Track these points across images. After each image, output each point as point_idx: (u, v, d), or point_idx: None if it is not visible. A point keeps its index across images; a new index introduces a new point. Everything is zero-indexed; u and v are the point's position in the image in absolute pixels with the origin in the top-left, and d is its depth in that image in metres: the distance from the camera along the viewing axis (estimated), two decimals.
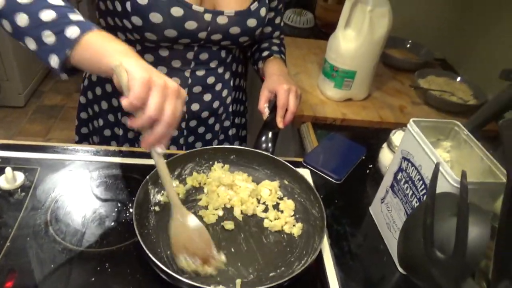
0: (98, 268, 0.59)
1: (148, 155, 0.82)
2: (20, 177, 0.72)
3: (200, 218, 0.70)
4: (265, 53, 0.97)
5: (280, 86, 0.85)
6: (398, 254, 0.46)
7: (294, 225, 0.71)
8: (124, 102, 0.52)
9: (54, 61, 0.58)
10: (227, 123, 1.00)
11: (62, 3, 0.60)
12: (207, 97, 0.92)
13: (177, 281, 0.55)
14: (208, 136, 0.99)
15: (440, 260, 0.36)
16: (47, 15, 0.57)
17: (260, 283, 0.57)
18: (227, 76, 0.93)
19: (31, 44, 0.59)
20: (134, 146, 0.95)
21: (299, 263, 0.64)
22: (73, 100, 2.83)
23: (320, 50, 1.45)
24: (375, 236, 0.75)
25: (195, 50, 0.84)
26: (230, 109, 0.99)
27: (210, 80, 0.90)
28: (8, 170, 0.69)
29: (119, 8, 0.76)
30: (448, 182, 0.56)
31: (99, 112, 0.95)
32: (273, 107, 0.87)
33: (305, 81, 1.22)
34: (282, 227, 0.70)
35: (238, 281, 0.60)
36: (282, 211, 0.73)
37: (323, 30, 1.70)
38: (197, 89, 0.89)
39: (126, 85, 0.53)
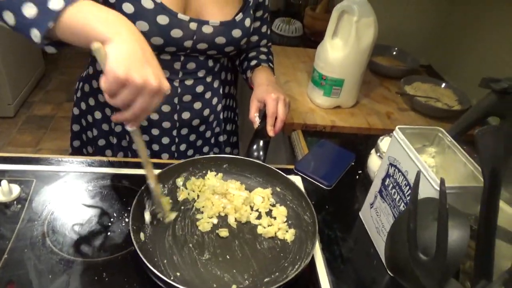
0: (96, 278, 0.60)
1: (141, 166, 0.84)
2: (16, 189, 0.72)
3: (196, 226, 0.72)
4: (253, 62, 1.00)
5: (268, 96, 0.87)
6: (385, 257, 0.48)
7: (287, 231, 0.73)
8: (101, 84, 0.51)
9: (35, 34, 0.53)
10: (217, 130, 1.02)
11: None
12: (197, 105, 0.94)
13: None
14: (199, 143, 1.01)
15: (424, 262, 0.38)
16: None
17: None
18: (216, 84, 0.95)
19: (10, 18, 0.54)
20: (128, 154, 0.96)
21: (292, 268, 0.66)
22: (63, 110, 2.82)
23: (309, 58, 1.48)
24: (365, 240, 0.78)
25: (181, 60, 0.86)
26: (221, 116, 1.01)
27: (199, 89, 0.92)
28: (4, 182, 0.70)
29: None
30: (432, 187, 0.58)
31: (92, 122, 0.96)
32: (263, 116, 0.89)
33: (295, 89, 1.25)
34: (275, 233, 0.72)
35: (234, 287, 0.61)
36: (275, 218, 0.75)
37: (312, 39, 1.73)
38: (187, 98, 0.91)
39: (104, 71, 0.51)
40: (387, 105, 1.25)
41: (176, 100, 0.90)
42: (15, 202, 0.71)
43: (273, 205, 0.78)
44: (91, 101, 0.94)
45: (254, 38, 1.01)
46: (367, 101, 1.26)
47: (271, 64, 1.02)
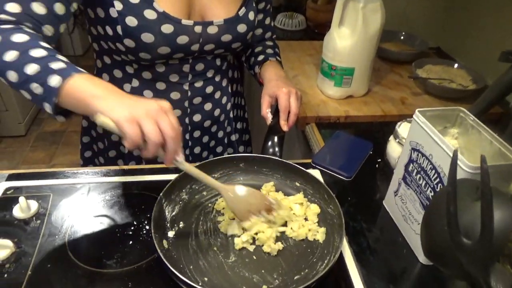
0: None
1: (157, 172, 0.83)
2: (34, 205, 0.72)
3: (218, 229, 0.70)
4: (260, 57, 0.98)
5: (280, 90, 0.85)
6: (422, 245, 0.46)
7: (317, 232, 0.70)
8: (127, 145, 0.55)
9: (47, 107, 0.61)
10: (229, 129, 1.01)
11: (45, 53, 0.61)
12: (208, 106, 0.92)
13: None
14: (212, 143, 0.99)
15: (467, 246, 0.36)
16: (31, 69, 0.59)
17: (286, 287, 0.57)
18: (224, 83, 0.94)
19: (27, 95, 0.62)
20: (141, 162, 0.95)
21: (322, 263, 0.64)
22: (74, 124, 2.84)
23: (315, 50, 1.46)
24: (392, 230, 0.75)
25: (190, 63, 0.85)
26: (231, 115, 1.00)
27: (209, 89, 0.91)
28: (21, 199, 0.70)
29: (110, 32, 0.76)
30: (461, 169, 0.56)
31: (102, 134, 0.96)
32: (275, 112, 0.87)
33: (304, 83, 1.23)
34: (306, 235, 0.70)
35: None
36: (306, 219, 0.73)
37: (316, 31, 1.71)
38: (197, 100, 0.90)
39: (118, 131, 0.56)
40: (400, 91, 1.22)
41: (186, 103, 0.89)
42: (34, 218, 0.70)
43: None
44: None
45: (259, 31, 1.00)
46: (379, 88, 1.23)
47: (278, 58, 1.00)
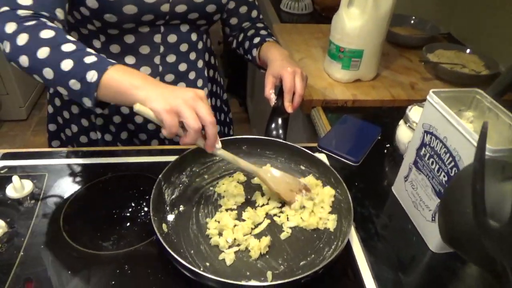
0: (118, 271, 0.57)
1: (156, 153, 0.80)
2: (28, 185, 0.69)
3: (220, 212, 0.67)
4: (256, 40, 0.93)
5: (284, 70, 0.81)
6: (440, 230, 0.43)
7: (328, 219, 0.67)
8: (165, 134, 0.57)
9: (88, 102, 0.62)
10: None
11: (74, 47, 0.61)
12: (181, 86, 0.87)
13: (205, 278, 0.52)
14: None
15: (494, 229, 0.32)
16: (66, 65, 0.60)
17: (292, 274, 0.54)
18: (200, 64, 0.89)
19: (64, 91, 0.62)
20: (118, 133, 0.90)
21: (329, 248, 0.61)
22: None
23: (322, 34, 1.41)
24: (400, 216, 0.72)
25: (162, 32, 0.80)
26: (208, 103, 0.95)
27: (182, 67, 0.86)
28: (15, 178, 0.67)
29: None
30: None
31: (70, 119, 0.90)
32: (279, 93, 0.84)
33: (311, 66, 1.19)
34: (316, 224, 0.66)
35: (269, 273, 0.57)
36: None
37: (323, 14, 1.66)
38: (169, 77, 0.85)
39: (157, 120, 0.58)
40: (410, 76, 1.18)
41: (157, 80, 0.84)
42: (28, 197, 0.68)
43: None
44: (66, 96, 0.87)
45: (244, 8, 0.95)
46: (388, 73, 1.19)
47: (274, 38, 0.95)
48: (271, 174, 0.69)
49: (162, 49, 0.82)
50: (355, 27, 1.02)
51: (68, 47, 0.61)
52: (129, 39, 0.78)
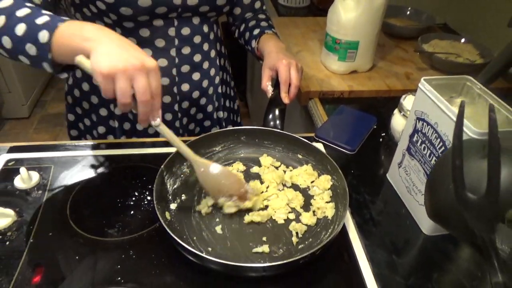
0: (123, 256, 0.59)
1: (159, 145, 0.82)
2: (35, 176, 0.72)
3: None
4: (256, 31, 0.96)
5: (280, 62, 0.84)
6: (426, 206, 0.45)
7: (326, 208, 0.68)
8: (102, 94, 0.54)
9: (46, 66, 0.60)
10: (216, 104, 1.00)
11: (29, 11, 0.60)
12: (196, 76, 0.91)
13: (208, 261, 0.54)
14: (200, 116, 0.99)
15: (473, 201, 0.35)
16: (20, 29, 0.58)
17: (291, 256, 0.57)
18: (212, 54, 0.93)
19: (25, 60, 0.61)
20: (131, 137, 0.94)
21: (326, 232, 0.63)
22: None
23: (319, 27, 1.43)
24: (395, 202, 0.75)
25: (175, 25, 0.83)
26: (219, 90, 0.99)
27: (197, 58, 0.89)
28: (22, 170, 0.69)
29: None
30: (467, 135, 0.54)
31: (89, 109, 0.93)
32: (276, 84, 0.86)
33: (308, 58, 1.21)
34: (314, 212, 0.68)
35: (268, 255, 0.59)
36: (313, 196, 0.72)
37: (320, 7, 1.68)
38: (185, 68, 0.88)
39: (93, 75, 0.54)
40: (405, 66, 1.20)
41: (174, 71, 0.87)
42: (35, 188, 0.70)
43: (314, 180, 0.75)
44: (85, 86, 0.90)
45: (247, 0, 0.97)
46: (383, 63, 1.21)
47: (274, 30, 0.98)
48: (205, 168, 0.66)
49: (176, 41, 0.85)
50: (350, 18, 1.04)
51: (22, 12, 0.59)
52: (144, 32, 0.81)
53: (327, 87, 1.08)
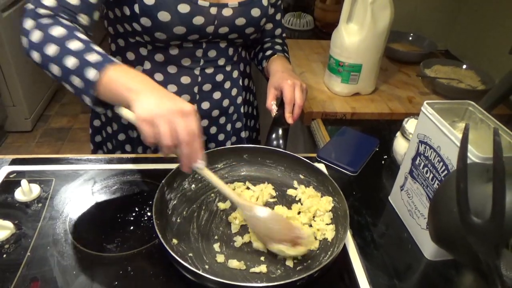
0: (121, 272, 0.58)
1: (161, 161, 0.82)
2: (36, 189, 0.71)
3: (220, 217, 0.69)
4: (268, 52, 0.98)
5: (284, 82, 0.85)
6: (430, 229, 0.45)
7: (326, 230, 0.68)
8: (144, 141, 0.57)
9: (87, 100, 0.63)
10: (239, 125, 1.00)
11: (81, 45, 0.63)
12: (217, 95, 0.92)
13: (205, 279, 0.53)
14: (221, 137, 0.99)
15: (477, 225, 0.34)
16: (70, 62, 0.62)
17: (288, 277, 0.56)
18: (235, 74, 0.94)
19: (69, 88, 0.64)
20: (148, 148, 0.95)
21: (325, 254, 0.62)
22: (79, 121, 2.85)
23: (322, 49, 1.45)
24: (397, 225, 0.74)
25: (204, 48, 0.85)
26: (242, 110, 0.99)
27: (219, 77, 0.91)
28: (23, 182, 0.69)
29: (127, 12, 0.77)
30: (470, 159, 0.54)
31: (112, 117, 0.96)
32: (280, 104, 0.87)
33: (311, 79, 1.22)
34: (314, 235, 0.67)
35: (266, 276, 0.58)
36: (314, 216, 0.71)
37: (324, 30, 1.71)
38: (206, 87, 0.90)
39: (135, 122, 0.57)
40: (407, 90, 1.21)
41: (196, 89, 0.89)
42: (35, 201, 0.70)
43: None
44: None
45: (269, 25, 1.00)
46: (386, 87, 1.22)
47: (286, 54, 1.00)
48: (252, 213, 0.62)
49: (202, 62, 0.87)
50: (354, 42, 1.06)
51: (74, 45, 0.62)
52: (173, 51, 0.84)
53: (330, 108, 1.08)
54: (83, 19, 0.69)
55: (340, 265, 0.63)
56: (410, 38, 1.50)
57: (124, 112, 0.58)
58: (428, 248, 0.67)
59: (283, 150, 0.80)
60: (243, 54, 0.97)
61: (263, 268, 0.60)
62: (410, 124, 0.84)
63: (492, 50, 1.33)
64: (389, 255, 0.68)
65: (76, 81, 0.62)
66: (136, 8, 0.75)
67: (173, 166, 0.72)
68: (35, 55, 0.64)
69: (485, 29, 1.37)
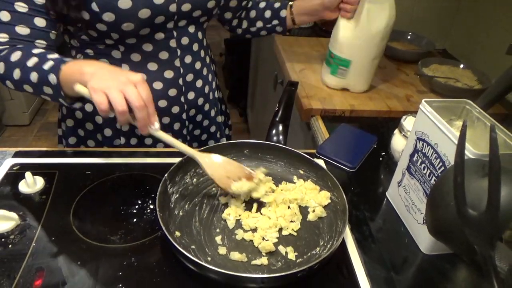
0: (125, 263, 0.60)
1: (163, 155, 0.84)
2: (39, 181, 0.72)
3: (222, 210, 0.71)
4: (277, 4, 1.03)
5: None
6: (427, 222, 0.47)
7: (313, 211, 0.70)
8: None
9: (64, 102, 0.70)
10: (216, 110, 1.04)
11: (36, 60, 0.69)
12: (199, 83, 0.94)
13: (208, 270, 0.55)
14: (206, 122, 1.02)
15: (473, 217, 0.36)
16: (33, 77, 0.69)
17: (289, 269, 0.57)
18: (207, 60, 0.97)
19: (47, 97, 0.71)
20: (143, 139, 0.95)
21: (324, 247, 0.64)
22: None
23: (322, 47, 1.46)
24: (394, 220, 0.76)
25: (175, 37, 0.85)
26: (216, 95, 1.03)
27: (198, 65, 0.92)
28: (27, 174, 0.70)
29: (86, 16, 0.75)
30: (466, 156, 0.56)
31: (92, 112, 0.90)
32: (280, 100, 0.88)
33: (311, 77, 1.24)
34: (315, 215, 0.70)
35: (266, 268, 0.60)
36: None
37: (324, 28, 1.71)
38: (189, 77, 0.91)
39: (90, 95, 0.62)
40: (405, 88, 1.23)
41: (181, 81, 0.90)
42: (39, 193, 0.71)
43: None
44: (89, 107, 0.90)
45: None
46: (384, 85, 1.23)
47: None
48: (209, 159, 0.70)
49: (179, 52, 0.87)
50: (346, 37, 1.06)
51: (31, 62, 0.69)
52: (148, 47, 0.83)
53: (329, 105, 1.10)
54: (40, 43, 0.74)
55: (339, 258, 0.65)
56: (409, 37, 1.51)
57: (78, 87, 0.63)
58: (424, 242, 0.68)
59: (284, 146, 0.81)
60: (207, 40, 0.98)
61: (264, 261, 0.62)
62: (407, 122, 0.86)
63: (489, 50, 1.35)
64: (386, 249, 0.69)
65: (47, 90, 0.68)
66: (95, 6, 0.73)
67: (175, 160, 0.73)
68: (8, 84, 0.72)
69: (483, 30, 1.39)
